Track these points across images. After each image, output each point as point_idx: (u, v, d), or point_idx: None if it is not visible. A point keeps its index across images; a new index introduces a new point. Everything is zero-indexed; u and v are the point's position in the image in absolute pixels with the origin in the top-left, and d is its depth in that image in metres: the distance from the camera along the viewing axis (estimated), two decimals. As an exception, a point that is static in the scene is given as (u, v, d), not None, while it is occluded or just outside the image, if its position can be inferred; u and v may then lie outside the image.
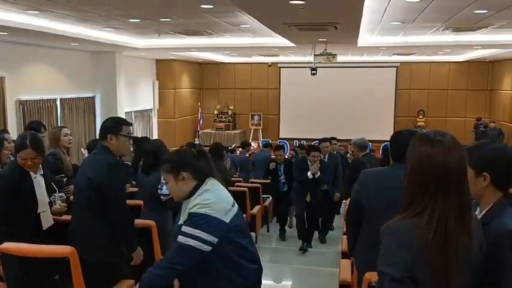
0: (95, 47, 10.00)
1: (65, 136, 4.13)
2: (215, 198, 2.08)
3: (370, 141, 7.00)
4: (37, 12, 6.22)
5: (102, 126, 2.90)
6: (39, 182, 3.05)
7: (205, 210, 2.03)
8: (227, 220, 2.05)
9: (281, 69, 16.09)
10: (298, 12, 5.22)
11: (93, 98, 11.38)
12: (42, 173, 3.12)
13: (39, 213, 3.00)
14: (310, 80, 13.47)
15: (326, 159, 6.23)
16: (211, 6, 5.88)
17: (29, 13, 6.33)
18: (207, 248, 1.99)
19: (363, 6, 5.02)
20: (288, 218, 7.09)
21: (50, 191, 3.18)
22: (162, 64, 14.74)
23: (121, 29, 8.27)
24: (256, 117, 16.45)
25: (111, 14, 6.49)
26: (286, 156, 7.90)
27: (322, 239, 6.49)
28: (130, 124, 3.01)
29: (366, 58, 14.08)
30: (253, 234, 5.61)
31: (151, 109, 14.70)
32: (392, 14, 6.57)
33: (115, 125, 2.84)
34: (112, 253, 2.72)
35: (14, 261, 2.35)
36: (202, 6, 5.84)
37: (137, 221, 2.92)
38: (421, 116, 14.82)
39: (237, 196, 4.20)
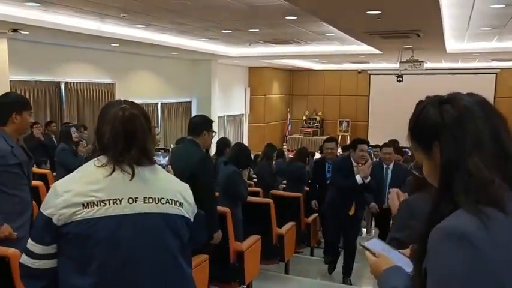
0: (192, 56, 10.91)
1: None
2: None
3: None
4: (144, 26, 7.11)
5: (195, 123, 3.32)
6: None
7: None
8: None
9: (371, 76, 16.03)
10: (376, 21, 5.44)
11: (189, 102, 12.37)
12: None
13: None
14: (399, 87, 13.32)
15: (390, 171, 5.14)
16: (295, 17, 6.30)
17: (137, 27, 7.24)
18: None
19: (440, 13, 5.11)
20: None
21: None
22: (254, 71, 15.44)
23: (215, 39, 9.00)
24: (344, 124, 16.53)
25: (206, 26, 7.18)
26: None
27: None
28: None
29: (461, 65, 13.57)
30: (282, 264, 4.58)
31: (243, 114, 15.46)
32: (479, 20, 6.48)
33: (208, 123, 3.32)
34: None
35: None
36: (286, 17, 6.28)
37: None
38: (522, 126, 13.89)
39: (257, 211, 4.13)
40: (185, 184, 1.58)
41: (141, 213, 1.39)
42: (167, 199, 1.44)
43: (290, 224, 4.72)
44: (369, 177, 4.48)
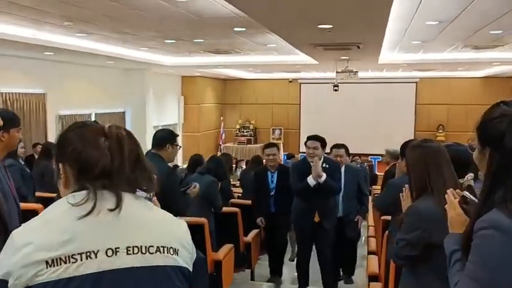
0: (127, 65, 10.59)
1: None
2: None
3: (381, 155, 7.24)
4: (85, 35, 6.80)
5: (158, 136, 3.38)
6: None
7: None
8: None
9: (301, 85, 16.56)
10: (326, 34, 5.65)
11: (123, 112, 11.97)
12: None
13: None
14: (331, 96, 13.88)
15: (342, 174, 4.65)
16: (244, 29, 6.36)
17: (76, 36, 6.90)
18: None
19: (385, 29, 5.42)
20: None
21: None
22: (187, 80, 15.32)
23: (155, 49, 8.82)
24: (277, 132, 16.89)
25: (152, 36, 7.03)
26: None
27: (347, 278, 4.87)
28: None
29: (386, 74, 14.42)
30: (248, 271, 4.68)
31: (177, 123, 15.25)
32: (412, 34, 6.95)
33: (172, 136, 3.34)
34: None
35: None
36: (235, 29, 6.32)
37: (192, 218, 3.35)
38: (440, 131, 15.05)
39: (225, 220, 4.12)
40: (183, 223, 1.28)
41: (123, 268, 1.08)
42: (158, 247, 1.14)
43: (254, 231, 4.70)
44: (324, 175, 4.04)
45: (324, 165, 4.16)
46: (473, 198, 1.45)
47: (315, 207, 4.18)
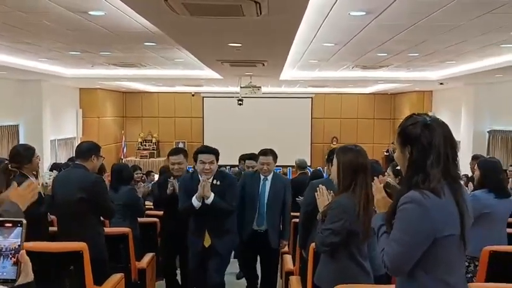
0: (21, 76, 10.00)
1: None
2: None
3: (289, 166, 7.72)
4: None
5: (83, 147, 3.45)
6: None
7: None
8: None
9: (204, 98, 16.84)
10: (234, 52, 5.98)
11: (16, 126, 11.22)
12: None
13: None
14: (234, 109, 14.34)
15: (269, 183, 4.38)
16: (154, 44, 6.46)
17: (-30, 44, 6.46)
18: None
19: (289, 49, 5.90)
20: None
21: None
22: (86, 92, 14.77)
23: (55, 60, 8.49)
24: (180, 145, 16.85)
25: (55, 48, 6.80)
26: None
27: None
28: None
29: (283, 89, 15.25)
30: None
31: (75, 137, 14.60)
32: (311, 54, 7.58)
33: (96, 148, 3.42)
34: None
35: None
36: (145, 43, 6.40)
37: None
38: (334, 143, 16.21)
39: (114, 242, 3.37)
40: None
41: None
42: None
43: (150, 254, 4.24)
44: (211, 195, 3.57)
45: (214, 181, 3.71)
46: (395, 184, 1.89)
47: (204, 228, 3.73)
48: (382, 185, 1.91)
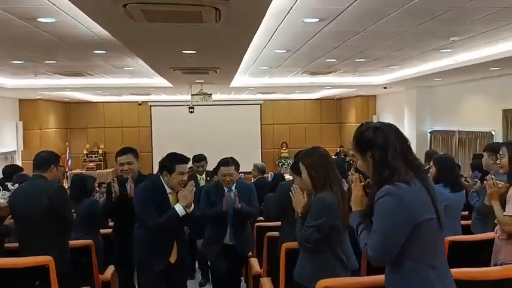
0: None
1: None
2: None
3: (241, 172, 7.74)
4: None
5: (42, 157, 3.33)
6: None
7: None
8: None
9: (152, 107, 16.59)
10: (188, 59, 5.96)
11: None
12: None
13: None
14: (182, 118, 14.28)
15: (233, 192, 4.13)
16: (104, 52, 6.31)
17: None
18: None
19: (243, 56, 5.96)
20: None
21: None
22: (26, 104, 14.11)
23: (-5, 70, 8.09)
24: (129, 155, 16.52)
25: (-4, 56, 6.49)
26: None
27: None
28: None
29: (232, 96, 15.31)
30: None
31: (15, 151, 13.90)
32: (262, 61, 7.69)
33: (55, 157, 3.32)
34: None
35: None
36: (95, 51, 6.24)
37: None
38: (284, 148, 16.48)
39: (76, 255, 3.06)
40: None
41: None
42: None
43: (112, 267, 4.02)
44: (192, 205, 3.36)
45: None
46: None
47: (172, 242, 3.44)
48: (362, 183, 2.00)
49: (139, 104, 16.38)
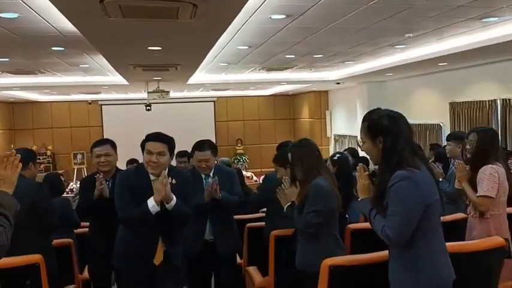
0: None
1: None
2: None
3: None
4: None
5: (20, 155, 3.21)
6: None
7: None
8: None
9: (102, 106, 16.17)
10: (153, 56, 5.91)
11: None
12: None
13: None
14: (135, 116, 14.04)
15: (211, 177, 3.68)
16: (62, 49, 6.12)
17: None
18: None
19: (208, 52, 5.99)
20: None
21: None
22: (-33, 105, 13.40)
23: None
24: (79, 156, 16.00)
25: None
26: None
27: None
28: None
29: (185, 94, 15.20)
30: None
31: (-44, 155, 13.12)
32: (223, 57, 7.72)
33: (33, 155, 3.24)
34: None
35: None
36: (53, 48, 6.04)
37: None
38: (239, 144, 16.57)
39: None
40: None
41: None
42: None
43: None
44: (174, 199, 2.84)
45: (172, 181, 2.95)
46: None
47: (155, 241, 2.92)
48: (366, 173, 2.15)
49: (89, 103, 15.93)
